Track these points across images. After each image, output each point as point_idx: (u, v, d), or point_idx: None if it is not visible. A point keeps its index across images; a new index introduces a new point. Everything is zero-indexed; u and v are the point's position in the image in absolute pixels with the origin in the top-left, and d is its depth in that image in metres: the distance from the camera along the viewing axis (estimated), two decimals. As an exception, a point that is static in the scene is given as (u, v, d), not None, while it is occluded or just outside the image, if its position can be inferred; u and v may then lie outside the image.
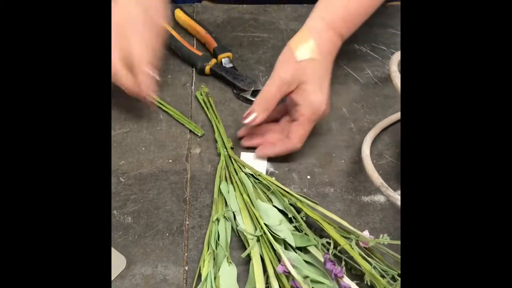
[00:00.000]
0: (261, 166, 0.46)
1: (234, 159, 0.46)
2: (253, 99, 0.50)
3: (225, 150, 0.47)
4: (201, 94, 0.51)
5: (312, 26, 0.47)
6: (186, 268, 0.40)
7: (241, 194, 0.42)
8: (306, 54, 0.45)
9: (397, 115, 0.50)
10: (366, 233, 0.38)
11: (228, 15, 0.62)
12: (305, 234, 0.39)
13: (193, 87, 0.54)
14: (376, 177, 0.41)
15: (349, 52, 0.58)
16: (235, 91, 0.53)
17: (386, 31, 0.61)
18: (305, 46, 0.45)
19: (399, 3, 0.65)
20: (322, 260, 0.37)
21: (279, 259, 0.37)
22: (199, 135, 0.49)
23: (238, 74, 0.53)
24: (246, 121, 0.45)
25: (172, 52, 0.56)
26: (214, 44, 0.56)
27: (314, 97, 0.45)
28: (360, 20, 0.49)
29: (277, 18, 0.62)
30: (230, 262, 0.38)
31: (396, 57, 0.47)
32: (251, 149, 0.48)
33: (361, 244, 0.38)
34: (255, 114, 0.45)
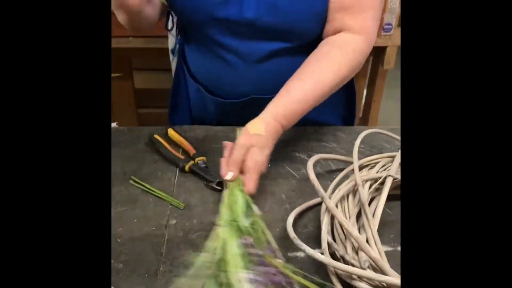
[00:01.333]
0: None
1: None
2: (218, 187, 0.71)
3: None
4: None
5: (263, 116, 0.72)
6: (157, 296, 0.56)
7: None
8: (256, 131, 0.69)
9: (318, 199, 0.69)
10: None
11: (207, 133, 0.85)
12: None
13: (176, 180, 0.74)
14: (296, 240, 0.59)
15: (291, 157, 0.79)
16: (205, 182, 0.74)
17: (320, 144, 0.83)
18: (256, 126, 0.69)
19: (331, 127, 0.88)
20: None
21: None
22: (181, 208, 0.68)
23: (209, 171, 0.75)
24: (227, 177, 0.66)
25: (162, 156, 0.78)
26: (193, 151, 0.78)
27: (257, 157, 0.67)
28: (296, 118, 0.75)
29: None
30: None
31: (311, 161, 0.68)
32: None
33: None
34: (232, 173, 0.66)
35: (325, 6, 0.81)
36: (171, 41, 1.08)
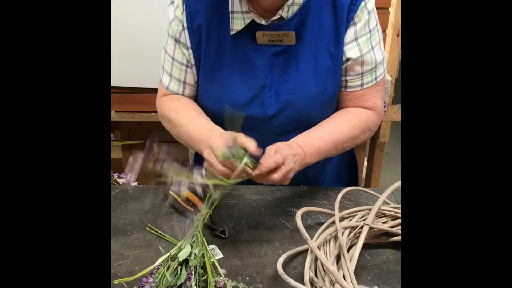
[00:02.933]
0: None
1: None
2: (221, 235, 0.83)
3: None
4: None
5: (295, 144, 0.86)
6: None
7: None
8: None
9: (306, 246, 0.81)
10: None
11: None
12: None
13: (185, 228, 0.87)
14: (283, 275, 0.70)
15: (286, 211, 0.92)
16: (210, 230, 0.86)
17: (312, 201, 0.95)
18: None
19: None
20: None
21: None
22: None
23: (214, 221, 0.87)
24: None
25: (176, 209, 0.92)
26: (201, 205, 0.91)
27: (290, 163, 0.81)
28: (315, 151, 0.87)
29: (244, 193, 0.98)
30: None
31: (300, 212, 0.80)
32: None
33: None
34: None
35: (335, 96, 0.97)
36: None
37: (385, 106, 1.59)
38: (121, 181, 1.01)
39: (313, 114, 0.96)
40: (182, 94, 1.03)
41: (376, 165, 1.74)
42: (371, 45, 0.94)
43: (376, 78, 0.97)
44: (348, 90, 0.97)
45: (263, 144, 0.96)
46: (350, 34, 0.92)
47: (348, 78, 0.96)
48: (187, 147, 1.01)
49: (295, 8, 0.90)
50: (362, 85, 0.96)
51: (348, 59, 0.94)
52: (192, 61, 0.98)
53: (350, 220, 0.82)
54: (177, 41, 0.97)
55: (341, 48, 0.92)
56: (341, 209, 0.84)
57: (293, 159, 0.81)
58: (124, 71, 1.52)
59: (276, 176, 0.79)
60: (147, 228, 0.86)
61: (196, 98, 1.04)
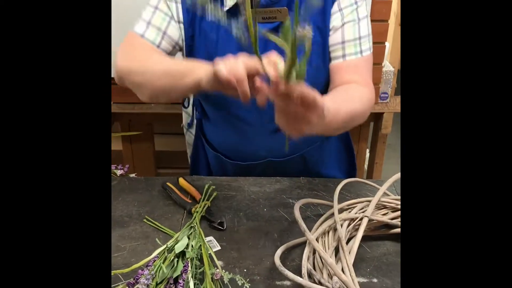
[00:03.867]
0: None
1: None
2: (219, 226, 0.82)
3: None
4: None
5: None
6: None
7: None
8: None
9: (305, 238, 0.80)
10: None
11: (213, 182, 0.97)
12: None
13: (183, 220, 0.86)
14: (281, 267, 0.69)
15: (285, 203, 0.90)
16: (208, 222, 0.85)
17: (311, 192, 0.94)
18: None
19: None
20: None
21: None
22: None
23: (212, 213, 0.86)
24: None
25: (173, 200, 0.91)
26: (200, 196, 0.90)
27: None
28: (334, 108, 0.74)
29: (243, 184, 0.97)
30: None
31: (298, 203, 0.79)
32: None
33: None
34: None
35: (328, 74, 0.94)
36: (185, 117, 1.22)
37: (387, 97, 1.57)
38: (118, 172, 1.00)
39: None
40: (158, 45, 0.91)
41: (379, 157, 1.72)
42: (357, 16, 0.91)
43: (361, 52, 0.91)
44: (332, 62, 0.93)
45: (261, 125, 0.97)
46: (334, 6, 0.91)
47: (330, 48, 0.93)
48: (157, 95, 0.86)
49: None
50: (344, 56, 0.92)
51: (330, 29, 0.92)
52: (183, 36, 0.93)
53: (350, 211, 0.81)
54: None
55: (328, 19, 0.91)
56: (341, 200, 0.82)
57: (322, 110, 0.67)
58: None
59: (319, 100, 0.63)
60: (144, 220, 0.85)
61: None
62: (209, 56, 0.91)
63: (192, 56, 0.94)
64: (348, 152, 1.18)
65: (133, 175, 1.02)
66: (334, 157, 1.14)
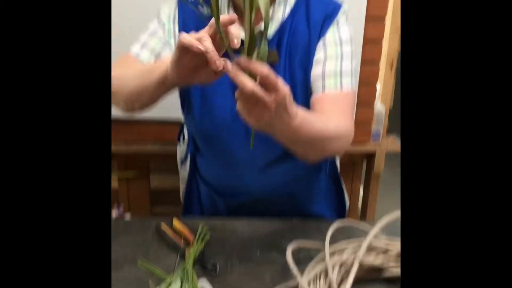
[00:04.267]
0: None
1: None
2: (212, 273, 0.83)
3: None
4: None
5: None
6: None
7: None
8: None
9: (297, 282, 0.80)
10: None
11: (207, 223, 0.98)
12: None
13: (176, 264, 0.86)
14: None
15: (278, 246, 0.91)
16: (201, 265, 0.85)
17: (304, 234, 0.95)
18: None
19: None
20: None
21: None
22: None
23: (205, 256, 0.87)
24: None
25: (167, 243, 0.91)
26: (193, 239, 0.91)
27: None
28: (306, 119, 0.73)
29: (237, 226, 0.98)
30: None
31: (290, 246, 0.80)
32: None
33: None
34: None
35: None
36: (180, 152, 1.25)
37: (379, 137, 1.60)
38: (114, 213, 1.01)
39: None
40: None
41: (372, 196, 1.74)
42: (340, 53, 0.92)
43: (341, 87, 0.90)
44: (313, 95, 0.93)
45: (251, 161, 0.98)
46: (319, 42, 0.94)
47: (311, 80, 0.94)
48: (132, 98, 0.86)
49: (274, 25, 0.93)
50: (323, 87, 0.90)
51: (313, 62, 0.94)
52: None
53: (341, 254, 0.82)
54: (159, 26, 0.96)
55: (312, 60, 0.93)
56: (333, 240, 0.83)
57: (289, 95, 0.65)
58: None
59: (282, 85, 0.61)
60: (139, 262, 0.86)
61: (182, 112, 1.03)
62: (204, 93, 0.94)
63: (186, 94, 0.98)
64: (337, 190, 1.19)
65: (127, 217, 1.03)
66: (323, 195, 1.15)
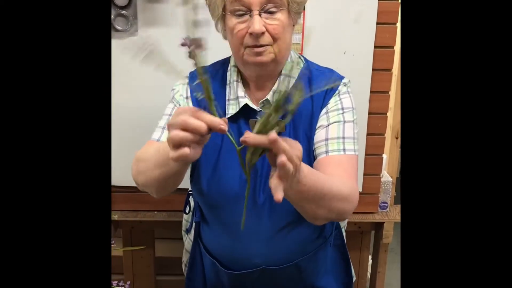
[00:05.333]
0: None
1: None
2: None
3: None
4: None
5: None
6: None
7: None
8: None
9: None
10: None
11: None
12: None
13: None
14: None
15: None
16: None
17: None
18: None
19: None
20: None
21: None
22: None
23: None
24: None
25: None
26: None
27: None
28: (311, 179, 0.76)
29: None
30: None
31: None
32: None
33: None
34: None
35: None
36: (185, 222, 1.24)
37: (387, 207, 1.60)
38: (119, 291, 1.00)
39: None
40: None
41: (381, 266, 1.70)
42: (342, 119, 0.96)
43: (344, 150, 0.93)
44: (316, 159, 0.96)
45: (256, 232, 0.98)
46: (322, 111, 0.98)
47: (315, 146, 0.97)
48: (158, 188, 0.92)
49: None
50: (327, 152, 0.94)
51: (316, 129, 0.97)
52: None
53: None
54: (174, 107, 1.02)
55: (314, 129, 0.97)
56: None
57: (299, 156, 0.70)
58: (127, 170, 1.55)
59: (287, 147, 0.65)
60: None
61: (190, 180, 1.06)
62: (212, 160, 0.97)
63: (197, 160, 0.99)
64: (344, 261, 1.17)
65: (133, 292, 1.00)
66: (330, 267, 1.13)
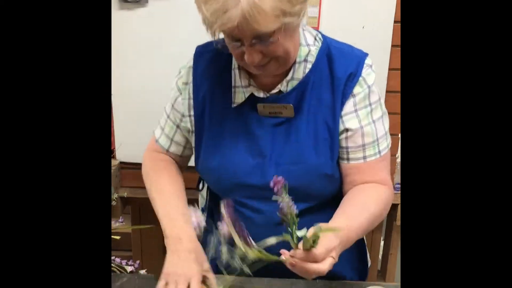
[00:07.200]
0: None
1: None
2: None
3: None
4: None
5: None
6: None
7: None
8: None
9: None
10: None
11: (225, 283, 0.94)
12: None
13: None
14: None
15: None
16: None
17: None
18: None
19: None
20: None
21: None
22: None
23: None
24: None
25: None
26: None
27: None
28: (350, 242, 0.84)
29: (257, 287, 0.93)
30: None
31: None
32: None
33: None
34: None
35: (335, 168, 0.96)
36: (201, 200, 1.22)
37: (400, 189, 1.56)
38: (129, 269, 0.98)
39: (313, 186, 0.96)
40: (167, 150, 1.08)
41: (393, 247, 1.67)
42: (372, 118, 0.95)
43: (379, 152, 0.96)
44: (351, 162, 0.96)
45: (264, 214, 0.96)
46: (349, 105, 0.94)
47: (349, 150, 0.96)
48: None
49: (295, 83, 0.93)
50: (364, 158, 0.95)
51: (347, 130, 0.94)
52: (188, 128, 1.03)
53: (371, 325, 0.76)
54: (172, 105, 1.04)
55: (337, 120, 0.94)
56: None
57: (338, 250, 0.80)
58: (136, 147, 1.53)
59: (323, 267, 0.76)
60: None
61: (196, 165, 1.06)
62: (219, 147, 0.96)
63: (201, 148, 1.00)
64: (359, 248, 1.14)
65: (143, 271, 0.99)
66: (344, 253, 1.10)
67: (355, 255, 1.13)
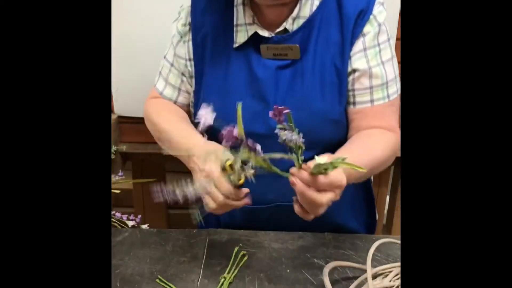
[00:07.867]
0: None
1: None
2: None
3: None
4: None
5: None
6: None
7: None
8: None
9: None
10: None
11: (231, 236, 0.91)
12: None
13: (198, 282, 0.79)
14: None
15: (309, 263, 0.83)
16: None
17: (338, 251, 0.87)
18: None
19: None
20: None
21: None
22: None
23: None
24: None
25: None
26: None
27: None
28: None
29: (263, 240, 0.90)
30: None
31: (327, 268, 0.72)
32: None
33: None
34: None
35: (342, 113, 0.91)
36: None
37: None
38: (130, 223, 0.94)
39: (319, 132, 0.90)
40: (176, 101, 1.02)
41: (399, 202, 1.64)
42: (381, 59, 0.89)
43: (388, 96, 0.90)
44: (357, 106, 0.91)
45: (272, 159, 0.91)
46: (358, 44, 0.88)
47: (356, 92, 0.90)
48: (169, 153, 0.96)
49: (301, 22, 0.88)
50: (372, 101, 0.90)
51: (354, 70, 0.89)
52: (192, 73, 0.97)
53: (384, 278, 0.73)
54: (175, 52, 0.98)
55: (346, 61, 0.88)
56: (372, 261, 0.75)
57: (341, 189, 0.73)
58: (135, 100, 1.47)
59: (321, 199, 0.70)
60: (157, 280, 0.78)
61: (194, 111, 1.02)
62: (219, 91, 0.92)
63: (201, 92, 0.96)
64: (368, 203, 1.11)
65: (145, 226, 0.95)
66: (351, 206, 1.07)
67: (364, 209, 1.10)
